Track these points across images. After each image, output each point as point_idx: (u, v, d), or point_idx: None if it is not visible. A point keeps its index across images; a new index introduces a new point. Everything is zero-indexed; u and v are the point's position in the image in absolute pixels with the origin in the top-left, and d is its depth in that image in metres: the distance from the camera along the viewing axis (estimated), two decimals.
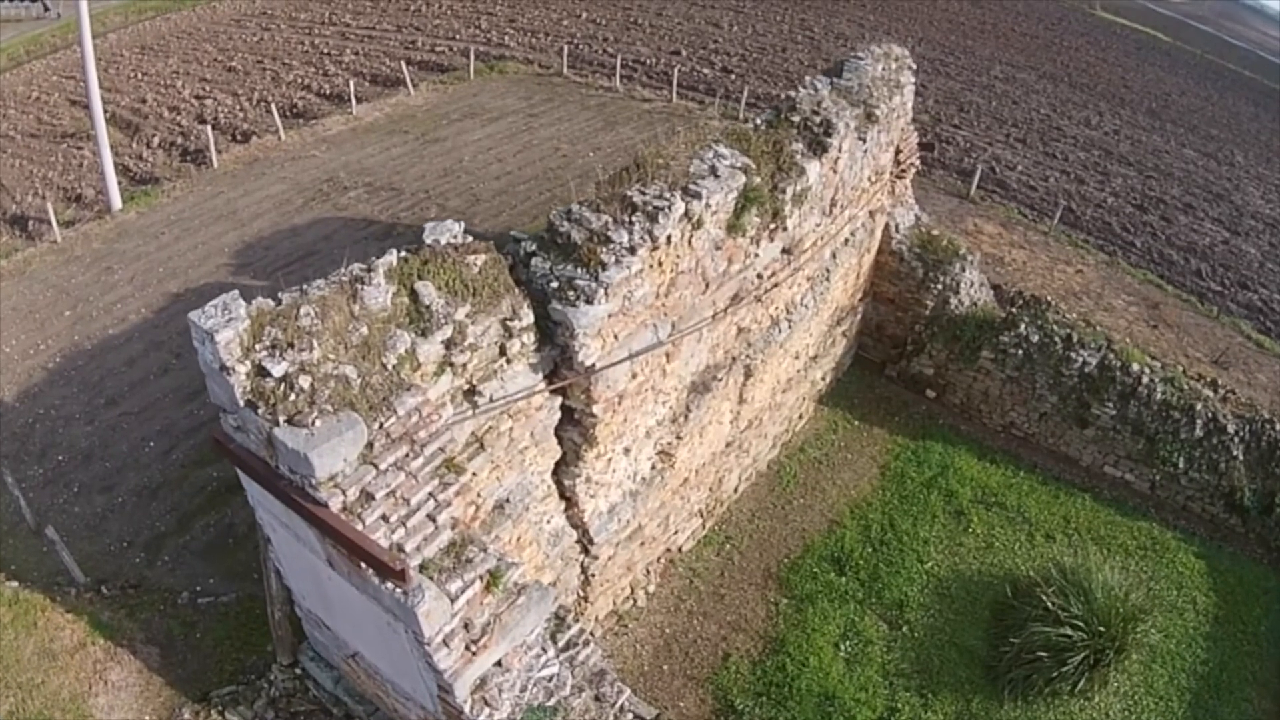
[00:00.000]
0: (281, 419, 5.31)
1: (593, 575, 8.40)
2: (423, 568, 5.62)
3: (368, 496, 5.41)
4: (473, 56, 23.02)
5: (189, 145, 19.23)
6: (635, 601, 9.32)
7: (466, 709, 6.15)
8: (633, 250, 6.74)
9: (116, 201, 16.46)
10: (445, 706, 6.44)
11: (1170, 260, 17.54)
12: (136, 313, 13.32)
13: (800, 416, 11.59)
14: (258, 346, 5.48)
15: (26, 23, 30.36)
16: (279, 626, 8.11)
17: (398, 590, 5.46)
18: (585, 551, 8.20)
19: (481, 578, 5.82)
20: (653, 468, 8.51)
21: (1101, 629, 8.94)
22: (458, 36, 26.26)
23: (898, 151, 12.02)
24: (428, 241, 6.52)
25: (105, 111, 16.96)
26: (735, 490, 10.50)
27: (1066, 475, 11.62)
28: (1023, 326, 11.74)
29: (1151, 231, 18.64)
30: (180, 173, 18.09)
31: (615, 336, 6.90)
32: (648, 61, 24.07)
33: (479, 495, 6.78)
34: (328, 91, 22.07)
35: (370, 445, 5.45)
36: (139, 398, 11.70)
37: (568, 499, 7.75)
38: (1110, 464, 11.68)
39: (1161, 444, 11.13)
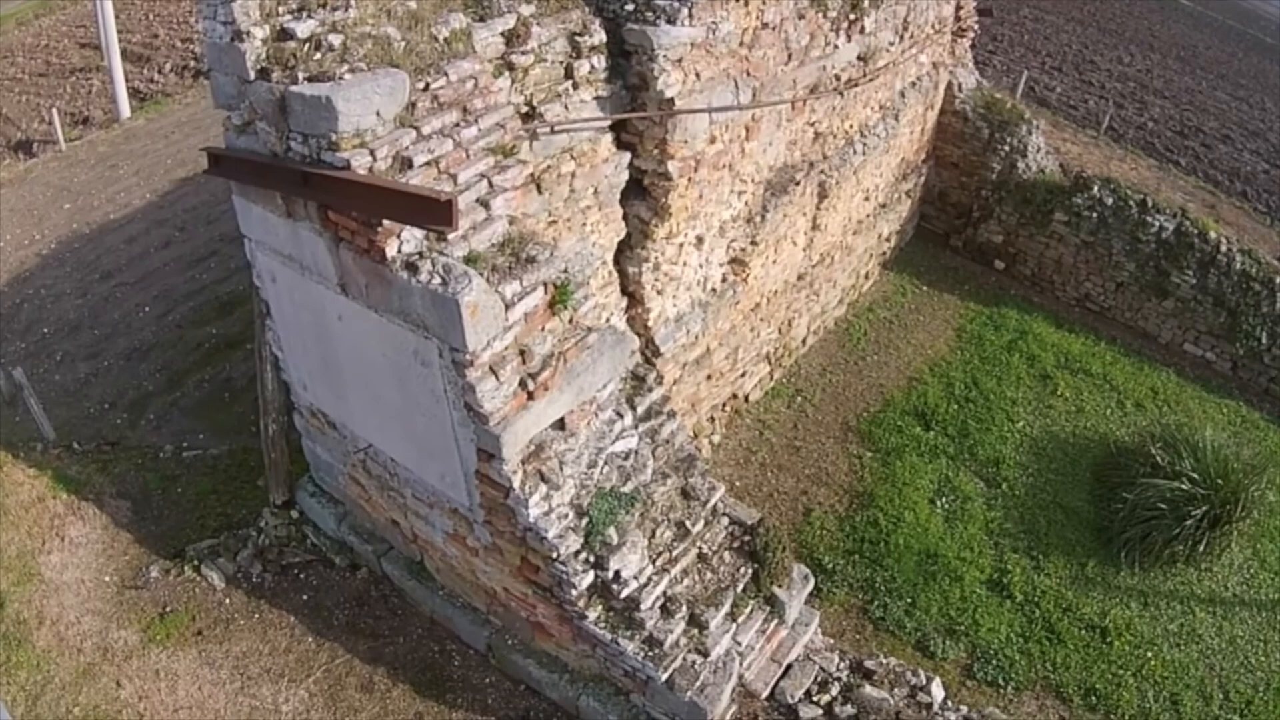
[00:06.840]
0: (302, 77, 4.29)
1: None
2: (469, 261, 4.47)
3: (404, 163, 4.33)
4: None
5: (202, 68, 18.39)
6: (700, 451, 8.21)
7: (515, 484, 4.75)
8: None
9: (125, 111, 15.55)
10: (486, 489, 5.02)
11: (1216, 181, 16.83)
12: (140, 198, 12.33)
13: (866, 276, 10.59)
14: (281, 9, 4.47)
15: None
16: (273, 446, 6.83)
17: (434, 279, 4.24)
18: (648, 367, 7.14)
19: (545, 287, 4.65)
20: (724, 279, 7.49)
21: (1219, 481, 7.98)
22: None
23: (958, 8, 11.26)
24: None
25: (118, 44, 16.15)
26: (803, 342, 9.45)
27: (1146, 351, 10.70)
28: (1096, 189, 10.88)
29: (1195, 154, 18.04)
30: (193, 88, 17.23)
31: (696, 75, 5.92)
32: None
33: None
34: None
35: (412, 107, 4.40)
36: (136, 270, 10.69)
37: (631, 295, 6.71)
38: (1190, 340, 10.76)
39: (1244, 317, 10.29)
